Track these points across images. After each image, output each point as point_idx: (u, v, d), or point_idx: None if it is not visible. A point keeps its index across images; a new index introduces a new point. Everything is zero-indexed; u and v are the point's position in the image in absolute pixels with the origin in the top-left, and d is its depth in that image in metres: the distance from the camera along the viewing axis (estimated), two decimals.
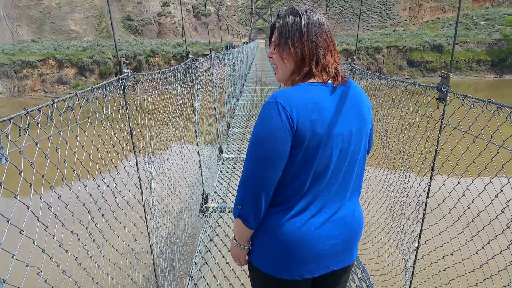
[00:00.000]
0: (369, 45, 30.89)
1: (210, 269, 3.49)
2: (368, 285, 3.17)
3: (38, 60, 25.29)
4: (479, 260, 2.01)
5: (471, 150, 1.96)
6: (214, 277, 3.39)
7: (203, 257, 3.68)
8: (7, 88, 24.35)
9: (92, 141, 1.63)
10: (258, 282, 1.48)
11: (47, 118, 1.18)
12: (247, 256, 1.49)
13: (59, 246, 1.31)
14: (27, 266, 1.15)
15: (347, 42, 33.29)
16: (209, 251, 3.80)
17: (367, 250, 3.55)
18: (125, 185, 2.15)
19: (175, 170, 3.61)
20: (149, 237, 2.53)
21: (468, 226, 2.05)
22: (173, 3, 44.46)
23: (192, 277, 3.38)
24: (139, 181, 2.31)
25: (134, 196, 2.28)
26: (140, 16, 42.19)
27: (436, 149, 2.24)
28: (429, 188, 2.38)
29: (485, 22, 38.79)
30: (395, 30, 43.60)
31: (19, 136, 1.07)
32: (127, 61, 1.83)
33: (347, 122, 1.31)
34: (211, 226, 4.24)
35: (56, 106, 1.24)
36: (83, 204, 1.55)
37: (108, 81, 1.65)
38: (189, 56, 3.85)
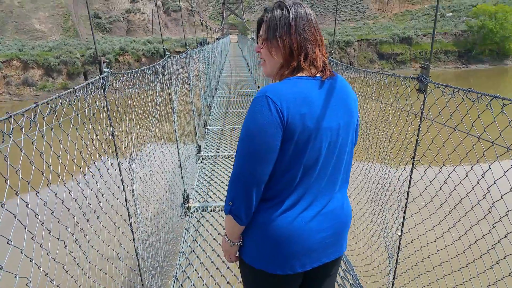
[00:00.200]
0: (340, 39, 31.25)
1: (195, 270, 3.46)
2: (352, 276, 3.23)
3: (1, 62, 24.10)
4: (462, 246, 2.07)
5: (452, 138, 2.01)
6: (200, 277, 3.36)
7: (187, 257, 3.64)
8: None
9: (75, 144, 1.58)
10: (250, 279, 1.47)
11: (30, 122, 1.13)
12: (237, 253, 1.48)
13: (47, 254, 1.26)
14: (15, 277, 1.10)
15: None
16: (193, 251, 3.76)
17: (350, 241, 3.58)
18: (108, 188, 2.10)
19: (156, 170, 3.55)
20: (133, 240, 2.49)
21: (450, 213, 2.09)
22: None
23: (177, 278, 3.34)
24: (122, 183, 2.25)
25: (117, 199, 2.22)
26: (108, 14, 41.04)
27: (417, 139, 2.29)
28: (410, 178, 2.43)
29: (451, 14, 40.04)
30: (366, 23, 44.36)
31: (3, 141, 1.01)
32: (108, 60, 1.77)
33: (336, 115, 1.32)
34: (193, 226, 4.20)
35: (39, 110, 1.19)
36: (69, 209, 1.50)
37: (89, 82, 1.59)
38: (167, 53, 3.75)
